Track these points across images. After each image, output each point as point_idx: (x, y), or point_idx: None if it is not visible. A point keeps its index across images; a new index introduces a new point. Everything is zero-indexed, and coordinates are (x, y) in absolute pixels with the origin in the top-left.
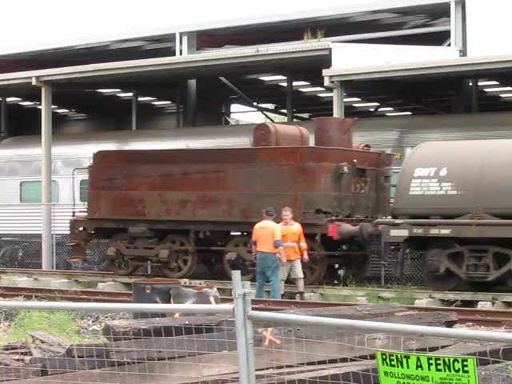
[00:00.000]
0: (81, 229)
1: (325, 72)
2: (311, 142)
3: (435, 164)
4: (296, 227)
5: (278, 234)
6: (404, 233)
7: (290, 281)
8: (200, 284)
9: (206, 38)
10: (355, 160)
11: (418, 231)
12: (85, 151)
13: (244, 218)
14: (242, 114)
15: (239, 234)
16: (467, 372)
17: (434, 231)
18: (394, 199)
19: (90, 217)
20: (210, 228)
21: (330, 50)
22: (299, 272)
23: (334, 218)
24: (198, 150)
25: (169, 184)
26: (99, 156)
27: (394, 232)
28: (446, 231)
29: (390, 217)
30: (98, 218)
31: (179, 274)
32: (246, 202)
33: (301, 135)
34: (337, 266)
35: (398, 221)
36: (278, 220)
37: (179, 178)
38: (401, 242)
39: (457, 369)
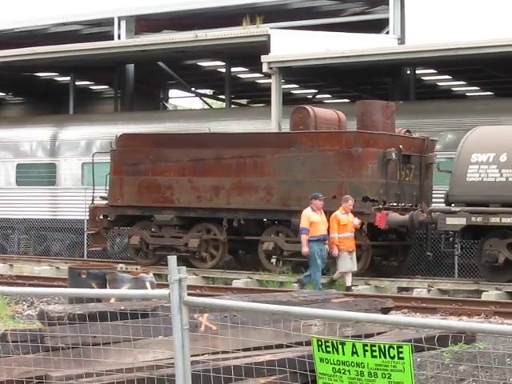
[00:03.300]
0: (101, 216)
1: (263, 58)
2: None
3: (494, 149)
4: (352, 216)
5: (302, 221)
6: (461, 221)
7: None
8: (136, 269)
9: (144, 23)
10: (401, 146)
11: (477, 220)
12: (21, 135)
13: (283, 206)
14: (180, 99)
15: (275, 222)
16: (402, 359)
17: (494, 220)
18: (449, 186)
19: (112, 203)
20: (244, 216)
21: (268, 36)
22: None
23: (380, 206)
24: (234, 134)
25: (200, 169)
26: (123, 139)
27: (451, 220)
28: (507, 220)
29: (433, 205)
30: (120, 204)
31: (209, 264)
32: (286, 189)
33: (338, 119)
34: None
35: (455, 208)
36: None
37: (212, 162)
38: (457, 230)
39: (392, 355)
